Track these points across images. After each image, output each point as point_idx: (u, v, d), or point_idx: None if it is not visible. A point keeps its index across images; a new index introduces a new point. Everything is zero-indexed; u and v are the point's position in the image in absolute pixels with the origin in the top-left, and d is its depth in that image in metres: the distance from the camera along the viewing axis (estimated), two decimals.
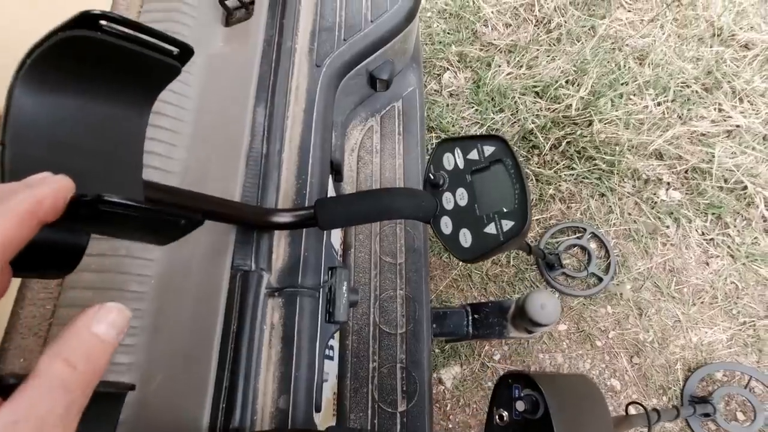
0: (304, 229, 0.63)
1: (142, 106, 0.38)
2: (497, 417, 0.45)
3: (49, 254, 0.30)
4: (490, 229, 0.59)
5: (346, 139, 0.92)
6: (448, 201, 0.62)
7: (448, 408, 1.39)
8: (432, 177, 0.63)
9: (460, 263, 1.54)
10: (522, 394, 0.43)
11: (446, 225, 0.62)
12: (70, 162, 0.34)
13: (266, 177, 0.59)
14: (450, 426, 1.37)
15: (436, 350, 1.43)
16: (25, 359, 0.47)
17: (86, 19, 0.30)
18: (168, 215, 0.30)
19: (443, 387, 1.41)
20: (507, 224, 0.58)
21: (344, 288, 0.63)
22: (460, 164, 0.63)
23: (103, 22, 0.31)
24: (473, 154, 0.62)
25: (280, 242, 0.62)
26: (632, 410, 0.91)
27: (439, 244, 1.55)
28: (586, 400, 0.51)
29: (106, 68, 0.34)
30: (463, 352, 1.43)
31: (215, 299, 0.51)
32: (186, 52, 0.36)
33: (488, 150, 0.61)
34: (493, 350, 1.44)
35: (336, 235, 0.78)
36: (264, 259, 0.56)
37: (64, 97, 0.33)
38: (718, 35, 1.76)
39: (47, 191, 0.25)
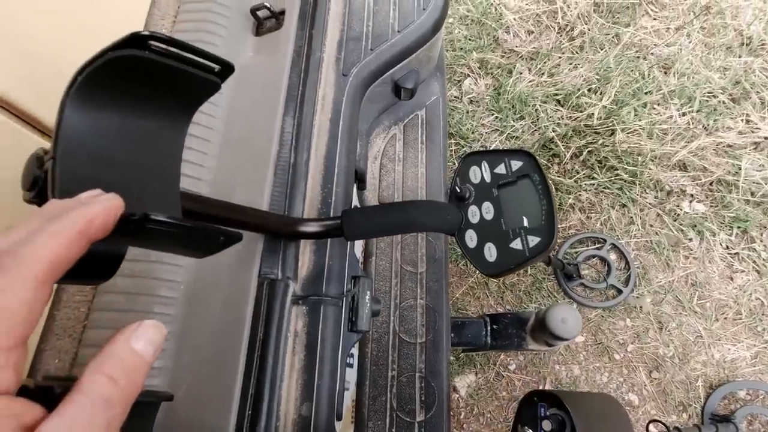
0: (329, 240, 0.64)
1: (181, 120, 0.39)
2: None
3: (89, 264, 0.31)
4: (516, 244, 0.59)
5: (369, 146, 0.93)
6: (473, 214, 0.62)
7: (461, 417, 1.39)
8: (458, 190, 0.63)
9: (477, 271, 1.53)
10: (548, 413, 0.43)
11: (471, 238, 0.62)
12: (113, 175, 0.35)
13: (293, 187, 0.60)
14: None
15: (452, 358, 1.42)
16: (60, 360, 0.49)
17: (136, 39, 0.31)
18: (209, 232, 0.31)
19: (457, 395, 1.41)
20: (533, 240, 0.58)
21: (367, 297, 0.63)
22: (487, 178, 0.63)
23: (151, 42, 0.32)
24: (500, 168, 0.62)
25: (305, 251, 0.62)
26: (653, 429, 0.89)
27: (457, 251, 1.55)
28: (612, 420, 0.51)
29: (151, 85, 0.35)
30: (478, 360, 1.43)
31: (242, 307, 0.51)
32: (227, 69, 0.37)
33: (516, 165, 0.61)
34: (508, 360, 1.43)
35: (358, 244, 0.79)
36: (291, 268, 0.56)
37: (110, 114, 0.34)
38: (747, 44, 1.72)
39: (99, 210, 0.26)
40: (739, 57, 1.71)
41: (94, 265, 0.32)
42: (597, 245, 1.52)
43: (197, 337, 0.50)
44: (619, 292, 1.44)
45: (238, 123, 0.61)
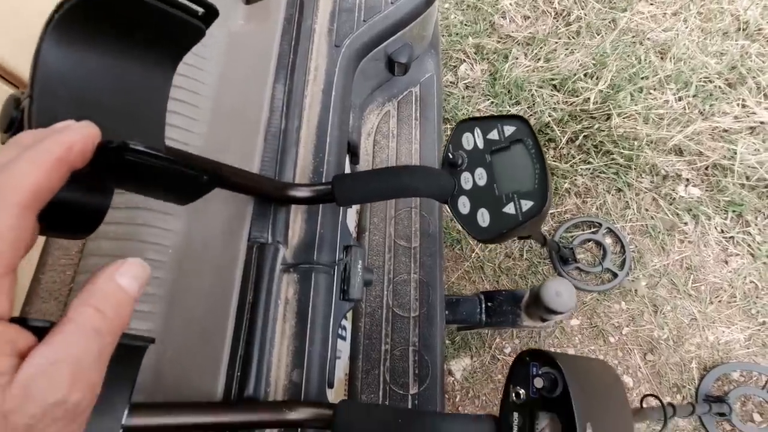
0: (321, 207, 0.63)
1: (165, 68, 0.38)
2: (513, 394, 0.44)
3: (73, 213, 0.31)
4: (509, 209, 0.58)
5: (362, 123, 0.92)
6: (466, 181, 0.62)
7: (457, 399, 1.39)
8: (451, 156, 0.62)
9: (473, 255, 1.53)
10: (540, 372, 0.42)
11: (464, 205, 0.61)
12: (94, 118, 0.34)
13: (284, 153, 0.59)
14: None
15: (447, 341, 1.42)
16: None
17: None
18: (191, 169, 0.30)
19: (453, 378, 1.41)
20: (526, 204, 0.57)
21: (359, 266, 0.63)
22: (480, 144, 0.62)
23: None
24: (493, 134, 0.61)
25: (296, 219, 0.62)
26: (647, 403, 0.89)
27: (452, 235, 1.54)
28: (605, 383, 0.50)
29: (132, 26, 0.34)
30: (473, 344, 1.43)
31: (231, 271, 0.51)
32: (210, 13, 0.36)
33: (509, 130, 0.60)
34: (504, 343, 1.43)
35: (351, 218, 0.78)
36: (281, 233, 0.56)
37: (90, 54, 0.33)
38: (743, 29, 1.72)
39: (76, 137, 0.25)
40: (736, 42, 1.71)
41: (77, 213, 0.31)
42: (592, 229, 1.52)
43: (186, 300, 0.49)
44: (615, 275, 1.44)
45: (227, 90, 0.60)
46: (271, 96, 0.61)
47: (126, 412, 0.31)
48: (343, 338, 0.73)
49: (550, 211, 1.56)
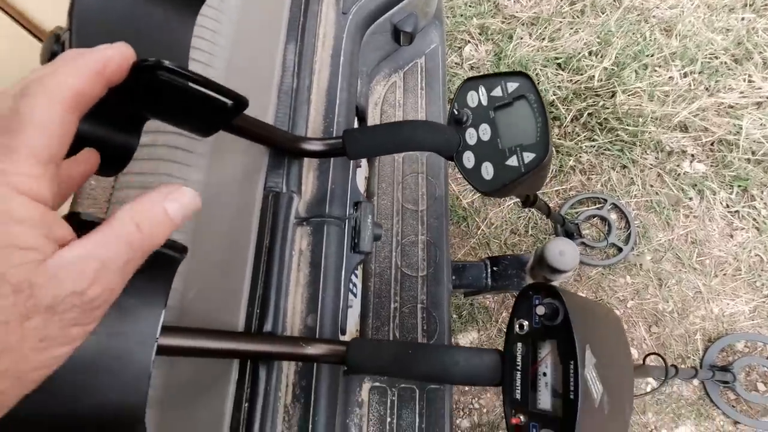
0: (331, 163, 0.65)
1: (187, 14, 0.41)
2: (517, 326, 0.46)
3: (104, 149, 0.33)
4: (512, 161, 0.61)
5: (370, 93, 0.94)
6: (471, 136, 0.64)
7: None
8: (456, 113, 0.64)
9: (479, 232, 1.55)
10: (542, 302, 0.45)
11: (468, 159, 0.63)
12: None
13: (296, 110, 0.62)
14: (466, 389, 1.39)
15: (454, 316, 1.45)
16: None
17: None
18: (220, 89, 0.33)
19: None
20: (528, 156, 0.60)
21: (369, 220, 0.65)
22: (484, 101, 0.64)
23: None
24: (497, 91, 0.63)
25: (308, 174, 0.64)
26: (650, 361, 0.91)
27: (458, 213, 1.57)
28: (606, 321, 0.53)
29: None
30: (480, 318, 1.45)
31: (249, 217, 0.54)
32: None
33: (512, 86, 0.62)
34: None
35: (360, 180, 0.80)
36: (294, 183, 0.58)
37: None
38: (750, 5, 1.71)
39: (114, 53, 0.27)
40: (742, 17, 1.71)
41: (108, 151, 0.34)
42: (597, 205, 1.53)
43: (206, 245, 0.52)
44: (620, 250, 1.46)
45: (241, 51, 0.63)
46: (283, 56, 0.63)
47: (162, 315, 0.34)
48: (354, 294, 0.75)
49: (555, 188, 1.58)
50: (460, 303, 1.45)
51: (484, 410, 1.37)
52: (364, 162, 0.86)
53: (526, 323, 0.46)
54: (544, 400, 0.42)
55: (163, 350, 0.41)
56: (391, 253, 0.82)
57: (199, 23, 0.42)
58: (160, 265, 0.34)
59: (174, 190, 0.27)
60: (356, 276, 0.77)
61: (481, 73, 0.63)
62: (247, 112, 0.61)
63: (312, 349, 0.49)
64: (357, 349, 0.50)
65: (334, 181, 0.64)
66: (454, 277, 0.91)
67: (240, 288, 0.51)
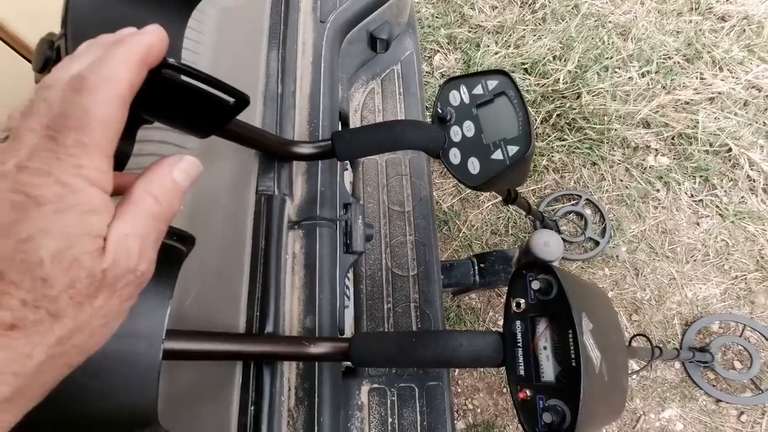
0: (319, 167, 0.66)
1: (178, 19, 0.42)
2: (514, 305, 0.48)
3: None
4: (497, 155, 0.63)
5: (350, 101, 0.96)
6: (455, 134, 0.66)
7: (455, 373, 1.42)
8: (440, 112, 0.66)
9: (460, 234, 1.57)
10: (537, 277, 0.47)
11: (455, 155, 0.65)
12: None
13: (283, 116, 0.63)
14: (459, 390, 1.40)
15: None
16: None
17: None
18: (222, 89, 0.33)
19: None
20: (512, 149, 0.62)
21: (360, 221, 0.66)
22: (466, 99, 0.67)
23: None
24: (478, 89, 0.66)
25: (297, 179, 0.65)
26: (636, 342, 0.95)
27: (439, 217, 1.59)
28: (596, 294, 0.55)
29: None
30: (467, 318, 1.47)
31: (243, 220, 0.54)
32: None
33: (492, 84, 0.65)
34: (497, 316, 1.48)
35: (346, 183, 0.81)
36: (286, 186, 0.59)
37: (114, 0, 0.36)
38: (695, 9, 1.83)
39: (154, 39, 0.26)
40: (690, 20, 1.82)
41: None
42: (573, 202, 1.59)
43: (201, 250, 0.52)
44: (597, 243, 1.51)
45: (223, 59, 0.63)
46: (266, 63, 0.64)
47: (167, 312, 0.34)
48: (348, 297, 0.76)
49: (531, 188, 1.63)
50: (447, 305, 1.46)
51: (478, 410, 1.38)
52: (349, 169, 0.87)
53: (522, 301, 0.48)
54: (548, 373, 0.44)
55: (167, 355, 0.40)
56: (381, 255, 0.83)
57: None
58: (165, 259, 0.34)
59: (178, 159, 0.28)
60: (348, 279, 0.78)
61: (462, 73, 0.65)
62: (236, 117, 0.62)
63: (315, 348, 0.50)
64: (360, 342, 0.50)
65: (323, 183, 0.65)
66: (442, 277, 0.92)
67: (238, 291, 0.51)
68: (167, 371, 0.48)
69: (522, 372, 0.46)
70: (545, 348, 0.46)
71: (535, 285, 0.45)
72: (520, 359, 0.47)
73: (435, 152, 0.66)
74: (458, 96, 0.67)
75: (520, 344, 0.47)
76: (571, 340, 0.43)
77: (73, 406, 0.30)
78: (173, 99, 0.34)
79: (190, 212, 0.54)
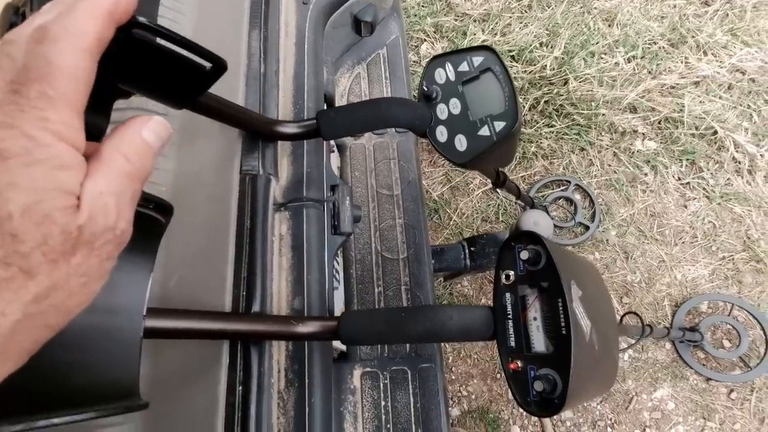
0: (305, 147, 0.65)
1: None
2: (503, 277, 0.48)
3: None
4: (484, 131, 0.62)
5: (335, 86, 0.94)
6: (442, 112, 0.65)
7: (450, 361, 1.42)
8: (426, 90, 0.66)
9: (451, 222, 1.57)
10: (525, 248, 0.46)
11: (442, 133, 0.65)
12: None
13: (266, 95, 0.62)
14: (453, 377, 1.40)
15: None
16: None
17: None
18: (197, 52, 0.32)
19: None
20: (499, 125, 0.62)
21: (347, 202, 0.65)
22: (452, 77, 0.66)
23: None
24: (463, 66, 0.65)
25: (282, 160, 0.64)
26: (627, 321, 0.95)
27: (429, 206, 1.59)
28: (585, 265, 0.55)
29: None
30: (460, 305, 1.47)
31: (227, 200, 0.52)
32: None
33: (477, 60, 0.65)
34: (488, 302, 1.48)
35: (333, 166, 0.80)
36: (270, 165, 0.58)
37: None
38: None
39: None
40: (674, 6, 1.83)
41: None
42: (562, 187, 1.59)
43: (185, 231, 0.51)
44: (587, 228, 1.52)
45: (204, 36, 0.62)
46: (248, 43, 0.63)
47: (149, 285, 0.33)
48: (338, 281, 0.75)
49: (521, 174, 1.63)
50: (439, 293, 1.46)
51: (473, 396, 1.38)
52: (336, 151, 0.86)
53: (511, 273, 0.47)
54: (538, 343, 0.43)
55: (151, 333, 0.39)
56: (371, 239, 0.82)
57: (161, 5, 0.42)
58: (143, 230, 0.33)
59: (146, 120, 0.27)
60: (338, 263, 0.77)
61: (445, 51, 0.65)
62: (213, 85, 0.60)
63: (303, 327, 0.49)
64: (349, 320, 0.49)
65: (309, 164, 0.64)
66: (433, 261, 0.92)
67: (224, 271, 0.50)
68: (153, 353, 0.47)
69: (513, 344, 0.46)
70: (535, 319, 0.46)
71: (524, 255, 0.45)
72: (511, 331, 0.46)
73: (422, 130, 0.65)
74: (444, 73, 0.66)
75: (510, 316, 0.47)
76: (560, 308, 0.43)
77: (55, 378, 0.30)
78: (146, 64, 0.32)
79: (174, 193, 0.53)
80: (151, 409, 0.45)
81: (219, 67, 0.34)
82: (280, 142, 0.64)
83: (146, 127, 0.27)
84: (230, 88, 0.59)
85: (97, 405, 0.29)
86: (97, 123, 0.34)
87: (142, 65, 0.33)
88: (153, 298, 0.49)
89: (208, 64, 0.34)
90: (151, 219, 0.32)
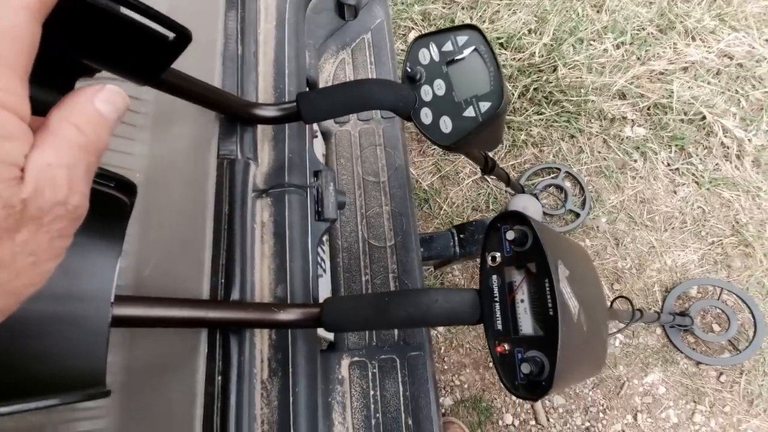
0: (287, 132, 0.63)
1: None
2: (489, 259, 0.46)
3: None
4: (469, 112, 0.61)
5: (319, 72, 0.92)
6: (426, 93, 0.64)
7: (442, 351, 1.42)
8: (409, 71, 0.64)
9: (441, 212, 1.56)
10: (512, 228, 0.45)
11: (426, 115, 0.63)
12: None
13: (244, 77, 0.59)
14: (445, 367, 1.40)
15: None
16: None
17: None
18: (158, 20, 0.30)
19: (435, 332, 1.44)
20: (484, 105, 0.60)
21: (331, 188, 0.64)
22: (436, 57, 0.64)
23: None
24: (448, 46, 0.64)
25: (264, 145, 0.62)
26: (618, 305, 0.95)
27: (419, 195, 1.57)
28: (573, 247, 0.53)
29: None
30: None
31: (203, 186, 0.51)
32: None
33: (462, 39, 0.63)
34: None
35: (318, 151, 0.78)
36: (249, 150, 0.56)
37: None
38: None
39: None
40: None
41: (36, 115, 0.30)
42: (552, 175, 1.58)
43: (160, 217, 0.49)
44: (577, 215, 1.51)
45: (177, 16, 0.60)
46: (224, 23, 0.60)
47: (116, 270, 0.31)
48: (324, 270, 0.73)
49: (510, 162, 1.62)
50: (429, 283, 1.45)
51: (465, 386, 1.38)
52: (320, 136, 0.84)
53: (498, 254, 0.46)
54: (526, 326, 0.42)
55: (121, 322, 0.38)
56: (357, 227, 0.80)
57: None
58: (107, 211, 0.31)
59: (99, 89, 0.25)
60: (324, 251, 0.75)
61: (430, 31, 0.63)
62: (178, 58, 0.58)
63: (285, 315, 0.47)
64: (332, 306, 0.48)
65: (291, 149, 0.62)
66: (422, 249, 0.91)
67: (201, 258, 0.48)
68: (129, 343, 0.45)
69: (500, 327, 0.45)
70: (522, 301, 0.44)
71: (510, 235, 0.44)
72: (498, 314, 0.45)
73: (406, 112, 0.63)
74: (428, 54, 0.65)
75: (497, 299, 0.46)
76: (547, 289, 0.42)
77: (14, 367, 0.28)
78: (105, 34, 0.30)
79: (147, 178, 0.51)
80: (128, 399, 0.43)
81: (183, 37, 0.32)
82: (260, 127, 0.63)
83: (99, 97, 0.25)
84: (206, 70, 0.57)
85: (55, 394, 0.28)
86: (52, 100, 0.32)
87: (101, 35, 0.31)
88: (127, 286, 0.48)
89: (171, 35, 0.32)
90: (113, 199, 0.30)
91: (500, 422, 1.35)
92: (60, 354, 0.31)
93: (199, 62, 0.57)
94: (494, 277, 0.46)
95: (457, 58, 0.63)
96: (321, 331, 0.69)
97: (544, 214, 1.53)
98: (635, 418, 1.33)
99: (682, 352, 1.34)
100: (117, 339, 0.44)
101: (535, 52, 1.69)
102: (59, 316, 0.31)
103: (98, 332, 0.33)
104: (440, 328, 1.44)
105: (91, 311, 0.33)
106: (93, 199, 0.30)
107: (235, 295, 0.48)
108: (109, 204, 0.31)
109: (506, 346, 0.43)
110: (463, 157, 1.59)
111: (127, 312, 0.37)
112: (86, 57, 0.32)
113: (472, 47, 0.62)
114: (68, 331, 0.32)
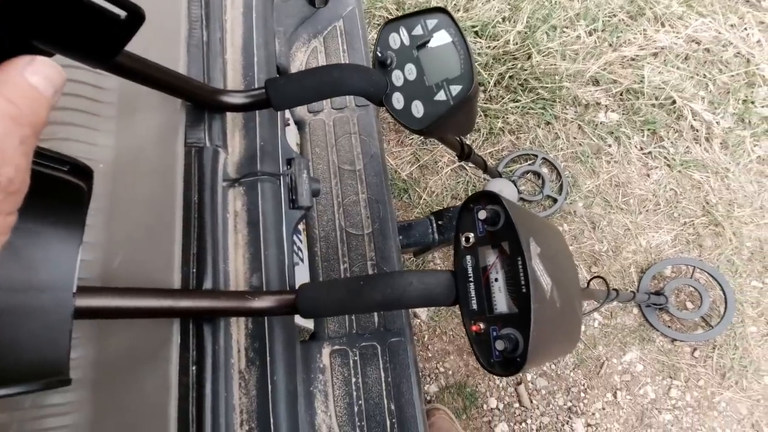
0: (257, 120, 0.62)
1: None
2: (463, 240, 0.47)
3: None
4: (440, 96, 0.61)
5: (291, 60, 0.91)
6: (397, 78, 0.63)
7: (425, 339, 1.43)
8: (380, 55, 0.63)
9: (421, 201, 1.57)
10: (484, 208, 0.45)
11: (398, 100, 0.63)
12: None
13: (210, 64, 0.58)
14: (429, 355, 1.41)
15: None
16: None
17: None
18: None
19: (419, 320, 1.44)
20: (455, 89, 0.60)
21: (305, 175, 0.63)
22: (406, 41, 0.64)
23: None
24: (417, 30, 0.63)
25: (234, 134, 0.61)
26: (594, 285, 0.97)
27: (398, 185, 1.57)
28: (546, 225, 0.54)
29: None
30: None
31: (171, 175, 0.49)
32: None
33: (431, 23, 0.63)
34: None
35: (292, 140, 0.78)
36: (218, 137, 0.55)
37: None
38: None
39: None
40: None
41: None
42: (529, 162, 1.60)
43: (127, 208, 0.48)
44: (555, 201, 1.54)
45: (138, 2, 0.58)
46: (188, 8, 0.59)
47: (78, 258, 0.30)
48: (301, 259, 0.73)
49: (488, 150, 1.63)
50: (410, 263, 1.45)
51: (450, 372, 1.39)
52: (293, 125, 0.83)
53: (471, 235, 0.46)
54: (500, 304, 0.43)
55: (86, 313, 0.37)
56: (334, 215, 0.80)
57: None
58: (63, 197, 0.30)
59: (29, 60, 0.24)
60: (301, 241, 0.75)
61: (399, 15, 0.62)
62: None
63: (259, 302, 0.47)
64: (307, 292, 0.47)
65: (263, 138, 0.62)
66: (401, 237, 0.91)
67: (171, 248, 0.47)
68: (98, 336, 0.44)
69: (475, 306, 0.45)
70: (496, 280, 0.45)
71: (482, 215, 0.44)
72: (473, 294, 0.46)
73: (377, 97, 0.63)
74: (398, 38, 0.64)
75: (471, 279, 0.46)
76: (520, 267, 0.42)
77: None
78: (53, 14, 0.29)
79: (113, 169, 0.50)
80: (99, 393, 0.42)
81: (136, 16, 0.31)
82: (230, 116, 0.61)
83: (30, 69, 0.23)
84: (171, 58, 0.55)
85: (13, 384, 0.27)
86: None
87: (49, 15, 0.30)
88: (95, 279, 0.46)
89: (122, 13, 0.31)
90: (68, 184, 0.29)
91: (485, 406, 1.37)
92: (19, 346, 0.30)
93: (163, 49, 0.56)
94: (468, 257, 0.46)
95: (426, 42, 0.62)
96: (302, 321, 0.69)
97: (523, 200, 1.54)
98: (615, 395, 1.37)
99: (657, 330, 1.38)
100: (87, 332, 0.43)
101: (509, 40, 1.71)
102: (14, 307, 0.30)
103: (59, 323, 0.32)
104: (423, 316, 1.45)
105: (52, 302, 0.32)
106: (47, 185, 0.29)
107: (208, 284, 0.47)
108: (65, 189, 0.30)
109: (481, 325, 0.43)
110: (441, 145, 1.60)
111: (93, 303, 0.36)
112: (35, 39, 0.31)
113: (442, 30, 0.62)
114: (27, 323, 0.31)
